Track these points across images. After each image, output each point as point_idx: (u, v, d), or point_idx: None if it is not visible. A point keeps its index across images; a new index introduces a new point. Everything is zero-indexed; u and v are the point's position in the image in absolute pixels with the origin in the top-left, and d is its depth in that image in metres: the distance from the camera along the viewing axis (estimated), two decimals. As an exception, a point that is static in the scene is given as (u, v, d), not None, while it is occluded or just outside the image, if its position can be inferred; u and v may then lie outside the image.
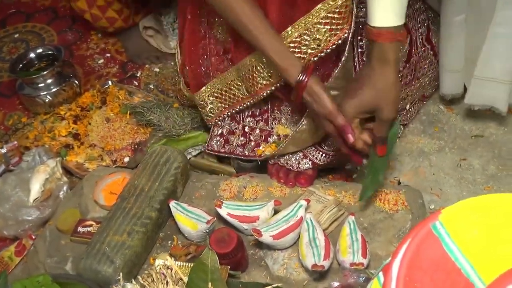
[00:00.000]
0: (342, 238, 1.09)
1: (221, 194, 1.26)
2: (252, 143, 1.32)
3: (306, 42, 1.10)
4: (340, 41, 1.10)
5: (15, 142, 1.47)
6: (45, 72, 1.57)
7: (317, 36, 1.09)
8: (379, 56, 1.03)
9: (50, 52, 1.67)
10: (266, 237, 1.08)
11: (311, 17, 1.08)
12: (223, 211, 1.14)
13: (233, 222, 1.14)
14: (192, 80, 1.33)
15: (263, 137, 1.32)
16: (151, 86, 1.70)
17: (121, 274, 0.99)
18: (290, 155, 1.27)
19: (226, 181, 1.29)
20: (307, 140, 1.23)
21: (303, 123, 1.19)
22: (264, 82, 1.18)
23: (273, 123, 1.32)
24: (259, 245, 1.14)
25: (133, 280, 0.96)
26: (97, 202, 1.26)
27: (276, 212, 1.15)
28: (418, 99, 1.44)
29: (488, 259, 0.53)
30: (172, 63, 1.75)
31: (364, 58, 1.21)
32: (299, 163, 1.26)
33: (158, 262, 1.00)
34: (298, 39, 1.11)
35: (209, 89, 1.30)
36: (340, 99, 1.08)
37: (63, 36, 1.96)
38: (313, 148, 1.26)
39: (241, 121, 1.35)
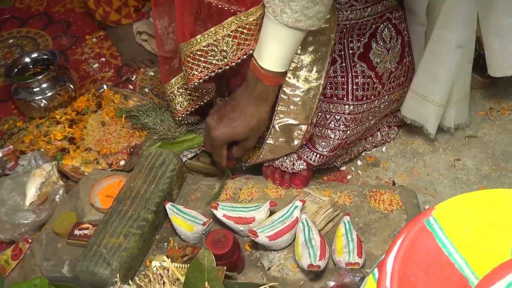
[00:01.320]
0: (337, 238, 1.09)
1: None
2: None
3: (213, 53, 1.11)
4: (245, 56, 1.10)
5: (11, 147, 1.47)
6: (40, 77, 1.58)
7: (224, 48, 1.10)
8: (260, 95, 1.09)
9: (45, 56, 1.67)
10: (262, 238, 1.09)
11: (222, 28, 1.08)
12: (219, 213, 1.14)
13: (229, 223, 1.14)
14: (163, 71, 1.34)
15: None
16: (146, 90, 1.71)
17: (118, 275, 0.99)
18: (285, 157, 1.27)
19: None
20: (284, 147, 1.25)
21: (269, 136, 1.22)
22: (197, 73, 1.17)
23: None
24: (255, 246, 1.15)
25: (130, 281, 0.97)
26: (93, 205, 1.26)
27: (271, 213, 1.15)
28: (411, 100, 1.46)
29: (481, 253, 0.53)
30: (167, 67, 1.76)
31: (356, 60, 1.22)
32: (293, 164, 1.27)
33: (155, 263, 1.00)
34: (205, 48, 1.11)
35: (179, 80, 1.30)
36: (215, 123, 1.13)
37: (58, 41, 1.96)
38: (307, 149, 1.27)
39: None
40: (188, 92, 1.32)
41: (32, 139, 1.55)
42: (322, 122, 1.26)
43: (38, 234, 1.28)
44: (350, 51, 1.23)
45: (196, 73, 1.14)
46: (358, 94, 1.23)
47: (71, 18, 2.05)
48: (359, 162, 1.40)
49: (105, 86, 1.68)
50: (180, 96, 1.32)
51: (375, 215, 1.19)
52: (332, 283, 1.02)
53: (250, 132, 1.13)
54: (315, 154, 1.26)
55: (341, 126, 1.24)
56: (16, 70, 1.64)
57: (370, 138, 1.41)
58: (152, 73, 1.77)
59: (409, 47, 1.31)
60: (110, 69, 1.82)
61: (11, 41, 1.99)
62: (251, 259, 1.14)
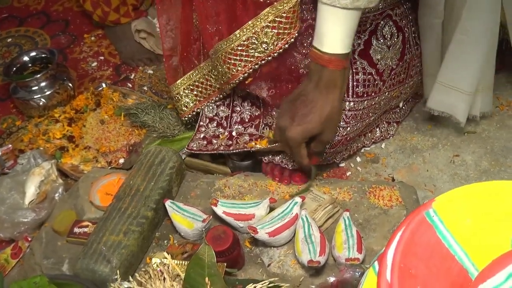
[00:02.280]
0: (337, 234, 1.09)
1: (217, 193, 1.27)
2: (240, 144, 1.32)
3: (254, 46, 1.12)
4: (287, 46, 1.11)
5: (10, 146, 1.47)
6: (38, 75, 1.58)
7: (265, 40, 1.11)
8: (328, 82, 1.05)
9: (43, 55, 1.67)
10: (262, 234, 1.09)
11: (259, 20, 1.09)
12: (218, 210, 1.14)
13: (229, 220, 1.14)
14: (168, 71, 1.35)
15: (253, 140, 1.33)
16: (145, 88, 1.71)
17: (118, 272, 0.99)
18: (285, 154, 1.27)
19: (221, 180, 1.29)
20: None
21: None
22: (240, 68, 1.18)
23: (265, 128, 1.33)
24: (255, 242, 1.15)
25: (130, 277, 0.97)
26: (92, 203, 1.26)
27: (271, 209, 1.15)
28: (411, 97, 1.46)
29: (481, 245, 0.53)
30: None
31: (356, 57, 1.22)
32: (293, 161, 1.27)
33: (155, 260, 1.00)
34: (246, 42, 1.13)
35: (185, 81, 1.31)
36: (288, 123, 1.10)
37: (56, 40, 1.96)
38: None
39: (227, 128, 1.36)
40: (194, 93, 1.32)
41: (31, 137, 1.55)
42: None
43: (38, 232, 1.27)
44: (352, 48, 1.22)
45: (240, 68, 1.17)
46: (359, 90, 1.23)
47: (69, 17, 2.05)
48: (358, 159, 1.40)
49: (104, 85, 1.68)
50: (186, 97, 1.33)
51: (375, 211, 1.19)
52: (332, 279, 1.02)
53: (325, 123, 1.09)
54: (315, 151, 1.26)
55: (341, 123, 1.24)
56: (14, 69, 1.64)
57: (369, 134, 1.41)
58: (151, 71, 1.77)
59: (410, 44, 1.31)
60: (108, 67, 1.82)
61: (9, 40, 1.99)
62: (251, 256, 1.14)
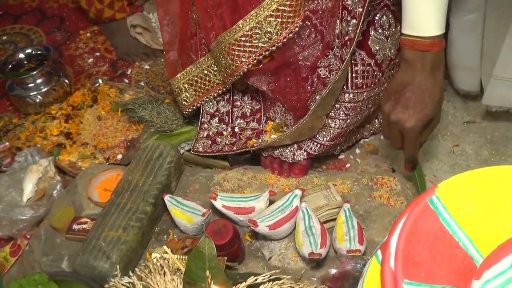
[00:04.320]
0: (338, 226, 1.08)
1: (216, 187, 1.26)
2: (243, 141, 1.32)
3: (257, 36, 1.11)
4: (291, 35, 1.10)
5: (7, 143, 1.46)
6: (34, 72, 1.56)
7: (268, 29, 1.10)
8: (433, 65, 1.02)
9: (39, 52, 1.65)
10: (262, 228, 1.08)
11: (262, 9, 1.08)
12: (218, 203, 1.13)
13: (229, 214, 1.14)
14: (169, 65, 1.34)
15: (255, 134, 1.32)
16: (142, 83, 1.70)
17: (118, 268, 0.98)
18: (285, 147, 1.27)
19: (220, 174, 1.29)
20: (305, 134, 1.23)
21: (306, 119, 1.19)
22: (244, 59, 1.17)
23: (267, 122, 1.32)
24: (255, 236, 1.14)
25: (130, 272, 0.96)
26: (91, 199, 1.25)
27: (271, 202, 1.14)
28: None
29: (485, 231, 0.53)
30: (162, 60, 1.75)
31: (354, 47, 1.21)
32: (294, 154, 1.26)
33: (155, 255, 1.00)
34: (249, 33, 1.12)
35: (184, 76, 1.30)
36: (403, 115, 1.05)
37: (51, 36, 1.95)
38: (308, 139, 1.26)
39: (229, 123, 1.35)
40: (193, 88, 1.32)
41: (28, 135, 1.54)
42: (322, 111, 1.25)
43: (37, 229, 1.27)
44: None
45: (244, 59, 1.16)
46: (358, 82, 1.22)
47: (65, 13, 2.03)
48: (357, 150, 1.39)
49: (100, 81, 1.67)
50: (186, 92, 1.32)
51: (375, 202, 1.18)
52: (333, 271, 1.01)
53: (438, 108, 1.06)
54: (315, 143, 1.26)
55: (341, 115, 1.24)
56: (10, 66, 1.63)
57: (368, 125, 1.40)
58: (147, 67, 1.76)
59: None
60: (105, 63, 1.80)
61: (4, 37, 1.97)
62: (251, 249, 1.13)
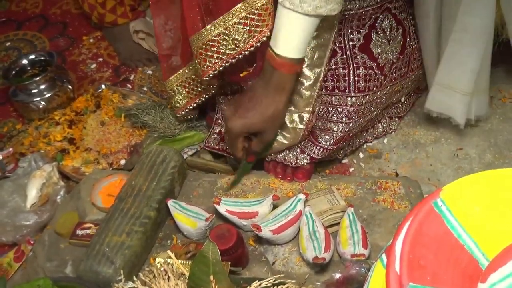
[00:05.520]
0: (342, 230, 1.08)
1: (219, 192, 1.26)
2: None
3: (225, 42, 1.10)
4: (259, 44, 1.09)
5: (11, 149, 1.46)
6: (38, 78, 1.57)
7: (236, 36, 1.09)
8: (277, 84, 1.05)
9: (42, 58, 1.66)
10: (266, 232, 1.08)
11: (231, 16, 1.07)
12: (221, 208, 1.13)
13: (232, 218, 1.13)
14: (164, 69, 1.34)
15: None
16: (145, 89, 1.70)
17: (122, 273, 0.98)
18: (288, 151, 1.27)
19: (224, 179, 1.28)
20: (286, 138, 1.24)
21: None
22: (210, 65, 1.16)
23: None
24: (259, 240, 1.14)
25: (134, 277, 0.96)
26: (94, 204, 1.25)
27: (274, 207, 1.14)
28: (413, 91, 1.45)
29: (491, 234, 0.53)
30: (165, 65, 1.76)
31: (357, 51, 1.22)
32: (297, 158, 1.26)
33: (159, 260, 1.00)
34: (217, 38, 1.11)
35: (177, 78, 1.30)
36: (231, 113, 1.11)
37: (55, 42, 1.95)
38: (310, 143, 1.26)
39: None
40: (187, 90, 1.32)
41: (32, 141, 1.54)
42: (324, 115, 1.25)
43: (40, 235, 1.26)
44: (351, 43, 1.22)
45: (210, 64, 1.14)
46: (360, 85, 1.22)
47: (68, 19, 2.04)
48: (361, 155, 1.39)
49: (103, 86, 1.67)
50: (180, 94, 1.32)
51: (379, 207, 1.18)
52: (338, 275, 1.01)
53: (266, 123, 1.10)
54: (318, 148, 1.25)
55: (343, 119, 1.24)
56: (14, 72, 1.64)
57: (371, 129, 1.40)
58: (150, 72, 1.76)
59: (410, 37, 1.30)
60: (108, 69, 1.81)
61: (8, 44, 1.98)
62: (255, 254, 1.13)
